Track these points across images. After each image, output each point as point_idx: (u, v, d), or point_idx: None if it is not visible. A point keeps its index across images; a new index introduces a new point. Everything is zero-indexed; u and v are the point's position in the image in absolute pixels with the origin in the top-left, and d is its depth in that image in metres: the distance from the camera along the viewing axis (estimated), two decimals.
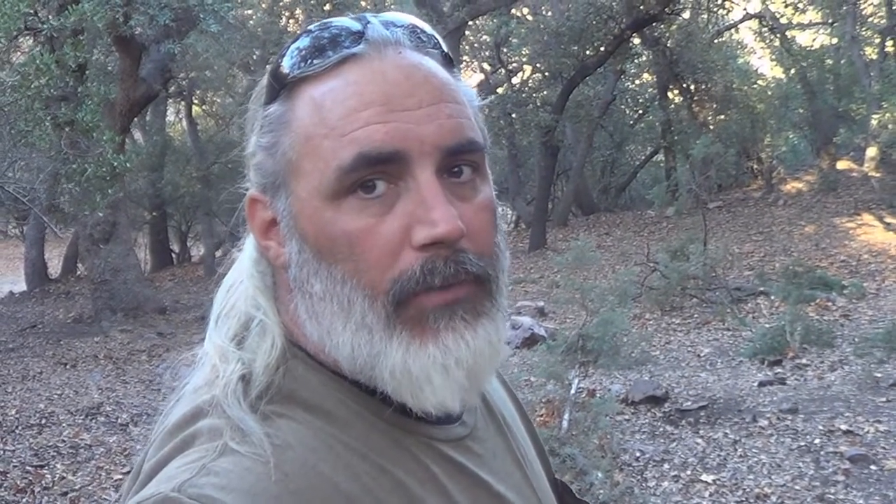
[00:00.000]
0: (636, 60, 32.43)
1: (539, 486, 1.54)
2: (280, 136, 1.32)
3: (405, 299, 1.24)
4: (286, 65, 1.32)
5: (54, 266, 30.38)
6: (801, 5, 32.34)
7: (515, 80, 32.92)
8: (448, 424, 1.40)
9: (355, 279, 1.25)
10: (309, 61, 1.31)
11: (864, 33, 31.86)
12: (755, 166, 29.49)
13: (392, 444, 1.32)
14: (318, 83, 1.30)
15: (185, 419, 1.31)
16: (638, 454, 9.70)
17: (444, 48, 1.40)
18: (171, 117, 34.22)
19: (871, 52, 32.08)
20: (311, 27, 1.35)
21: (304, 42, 1.33)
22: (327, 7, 21.24)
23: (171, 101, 30.16)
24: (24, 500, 9.20)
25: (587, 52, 27.74)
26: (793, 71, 31.80)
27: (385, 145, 1.23)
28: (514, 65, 33.71)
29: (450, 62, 1.39)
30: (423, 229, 1.23)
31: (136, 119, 23.13)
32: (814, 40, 35.71)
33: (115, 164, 13.49)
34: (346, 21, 1.34)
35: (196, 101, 30.22)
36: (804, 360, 12.68)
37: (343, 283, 1.26)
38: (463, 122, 1.30)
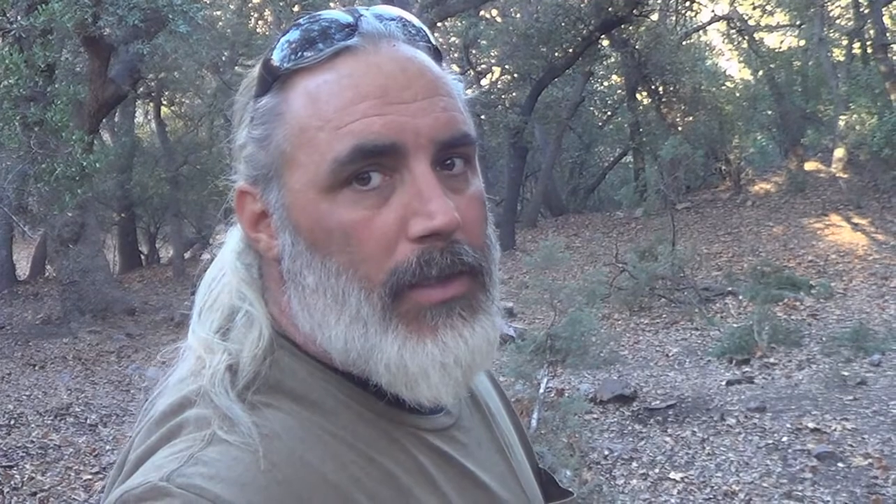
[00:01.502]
0: (605, 62, 32.49)
1: (523, 476, 1.54)
2: (273, 129, 1.31)
3: (401, 292, 1.24)
4: (277, 57, 1.32)
5: (23, 267, 30.21)
6: (768, 7, 32.47)
7: (484, 82, 32.95)
8: (434, 414, 1.40)
9: (350, 271, 1.25)
10: (300, 53, 1.30)
11: (831, 35, 31.98)
12: (723, 167, 29.53)
13: (379, 434, 1.32)
14: (311, 75, 1.29)
15: (171, 409, 1.30)
16: (606, 452, 9.73)
17: (433, 42, 1.40)
18: (139, 118, 34.02)
19: (838, 54, 32.23)
20: (300, 20, 1.34)
21: (294, 35, 1.32)
22: (296, 8, 21.17)
23: (139, 101, 29.98)
24: None
25: (556, 54, 27.76)
26: (761, 72, 31.94)
27: (382, 138, 1.23)
28: (483, 66, 33.75)
29: (438, 55, 1.39)
30: (420, 221, 1.23)
31: (104, 120, 23.00)
32: (782, 42, 35.84)
33: (85, 164, 13.42)
34: (336, 13, 1.33)
35: (165, 102, 30.10)
36: (772, 360, 12.75)
37: (338, 275, 1.26)
38: (457, 116, 1.31)
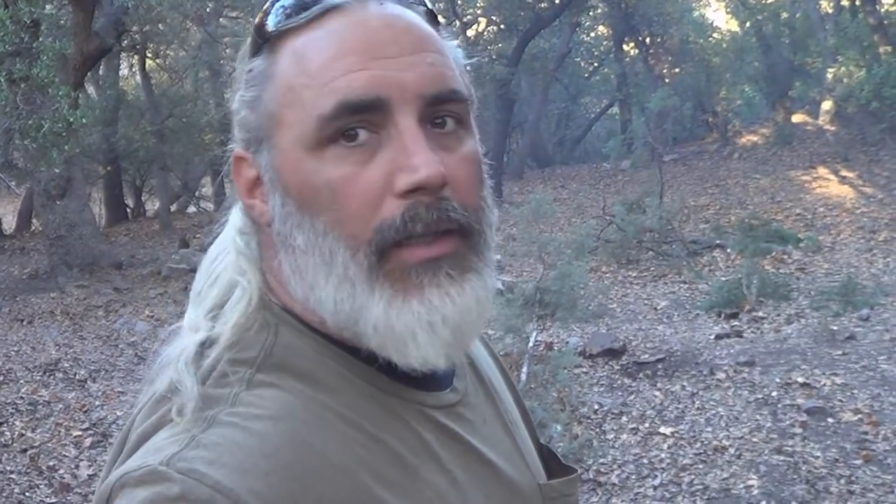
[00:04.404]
0: (591, 13, 32.41)
1: (527, 452, 1.52)
2: (262, 90, 1.30)
3: (387, 250, 1.23)
4: (270, 21, 1.30)
5: (8, 222, 30.08)
6: None
7: (471, 33, 32.82)
8: (439, 391, 1.39)
9: (337, 230, 1.23)
10: (292, 16, 1.29)
11: None
12: (710, 119, 29.57)
13: (385, 412, 1.30)
14: (299, 35, 1.28)
15: (172, 388, 1.27)
16: (596, 407, 9.76)
17: (428, 5, 1.38)
18: (124, 71, 33.82)
19: (826, 6, 32.17)
20: None
21: None
22: None
23: (124, 54, 29.75)
24: None
25: (542, 5, 27.70)
26: (748, 24, 31.90)
27: (366, 93, 1.22)
28: (470, 17, 33.61)
29: (434, 19, 1.37)
30: (404, 175, 1.21)
31: (88, 73, 22.87)
32: None
33: (72, 119, 13.35)
34: None
35: (150, 55, 29.87)
36: (761, 313, 12.79)
37: (325, 234, 1.24)
38: (445, 72, 1.29)
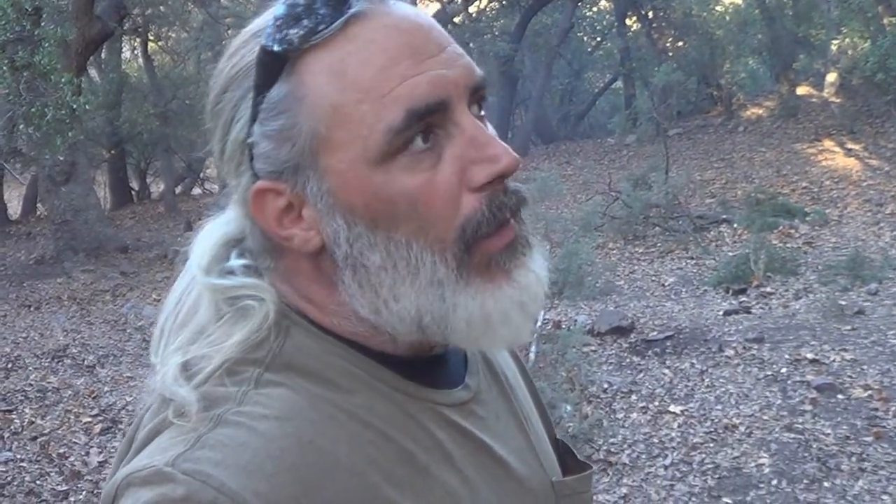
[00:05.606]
0: None
1: (541, 449, 1.52)
2: (296, 116, 1.24)
3: (473, 245, 1.24)
4: (274, 42, 1.23)
5: (14, 207, 30.12)
6: None
7: (472, 10, 32.76)
8: (451, 388, 1.38)
9: (421, 238, 1.23)
10: (302, 32, 1.22)
11: None
12: (715, 93, 29.47)
13: (396, 411, 1.29)
14: (325, 51, 1.23)
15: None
16: (606, 386, 9.75)
17: None
18: (126, 54, 33.81)
19: None
20: None
21: (284, 11, 1.23)
22: None
23: (126, 38, 29.77)
24: None
25: None
26: None
27: (431, 96, 1.21)
28: None
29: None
30: (483, 168, 1.23)
31: (91, 57, 22.86)
32: None
33: (75, 106, 13.35)
34: None
35: (151, 38, 29.90)
36: (769, 289, 12.76)
37: (408, 245, 1.23)
38: (470, 61, 1.29)
